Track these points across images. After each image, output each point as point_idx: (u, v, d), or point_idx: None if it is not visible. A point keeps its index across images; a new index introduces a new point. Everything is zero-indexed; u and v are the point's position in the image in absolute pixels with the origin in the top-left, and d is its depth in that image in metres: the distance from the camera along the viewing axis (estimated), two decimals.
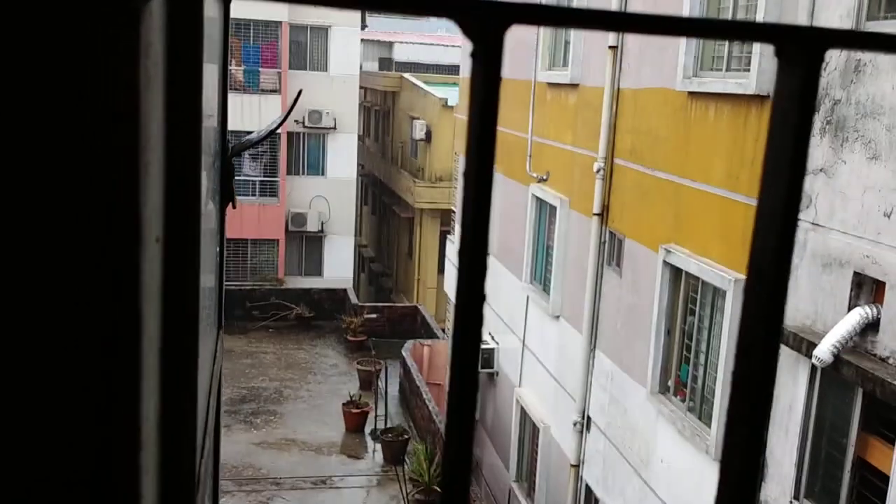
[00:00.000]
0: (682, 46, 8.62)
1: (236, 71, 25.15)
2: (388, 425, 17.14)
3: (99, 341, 0.44)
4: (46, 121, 0.42)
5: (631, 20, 0.45)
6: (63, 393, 0.46)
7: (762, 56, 7.34)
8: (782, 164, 0.48)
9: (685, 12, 8.52)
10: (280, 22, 25.10)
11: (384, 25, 42.99)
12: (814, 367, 6.38)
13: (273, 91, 25.24)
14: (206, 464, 1.32)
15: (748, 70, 7.65)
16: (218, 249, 1.63)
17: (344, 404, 17.73)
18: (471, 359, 0.49)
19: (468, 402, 0.47)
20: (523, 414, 13.19)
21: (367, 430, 17.50)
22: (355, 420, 17.49)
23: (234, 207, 1.67)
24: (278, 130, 24.58)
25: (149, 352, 0.52)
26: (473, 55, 0.45)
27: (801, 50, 0.48)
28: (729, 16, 8.09)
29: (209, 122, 1.40)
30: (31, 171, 0.43)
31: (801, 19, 6.84)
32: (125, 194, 0.44)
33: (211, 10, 1.22)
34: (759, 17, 7.35)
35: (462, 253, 0.44)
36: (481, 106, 0.46)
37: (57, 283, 0.44)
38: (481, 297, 0.46)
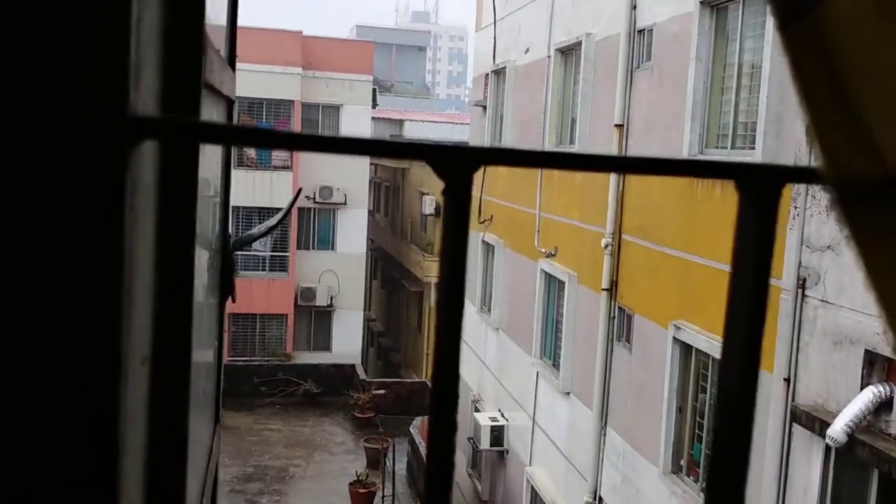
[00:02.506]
0: (688, 124, 8.76)
1: (248, 148, 25.56)
2: None
3: (73, 476, 0.45)
4: (39, 261, 0.45)
5: (593, 160, 0.47)
6: None
7: (766, 134, 7.44)
8: (745, 296, 0.50)
9: (688, 98, 8.69)
10: (292, 101, 25.65)
11: (395, 104, 43.89)
12: (828, 447, 6.27)
13: (285, 168, 25.63)
14: None
15: (753, 148, 7.75)
16: (217, 343, 1.65)
17: (351, 484, 17.41)
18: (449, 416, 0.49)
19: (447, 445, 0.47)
20: (534, 494, 12.92)
21: None
22: (362, 500, 17.14)
23: (233, 301, 1.70)
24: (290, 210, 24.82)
25: (131, 477, 0.53)
26: (444, 193, 0.48)
27: (760, 185, 0.50)
28: (732, 97, 8.24)
29: (211, 214, 1.44)
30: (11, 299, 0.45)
31: None
32: (106, 320, 0.46)
33: (213, 114, 1.27)
34: (763, 97, 7.49)
35: (433, 397, 0.45)
36: (452, 238, 0.48)
37: (33, 409, 0.46)
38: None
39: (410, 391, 23.21)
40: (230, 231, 2.00)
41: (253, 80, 24.33)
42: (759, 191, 0.50)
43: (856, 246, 0.51)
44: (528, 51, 14.03)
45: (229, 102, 1.49)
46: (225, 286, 1.55)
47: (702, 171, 0.51)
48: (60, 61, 0.42)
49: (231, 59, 1.68)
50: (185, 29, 0.66)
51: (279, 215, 2.59)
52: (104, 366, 0.43)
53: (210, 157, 1.31)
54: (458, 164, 0.46)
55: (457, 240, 0.47)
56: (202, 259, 1.07)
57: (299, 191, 3.39)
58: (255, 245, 26.03)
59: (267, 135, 0.47)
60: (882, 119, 0.42)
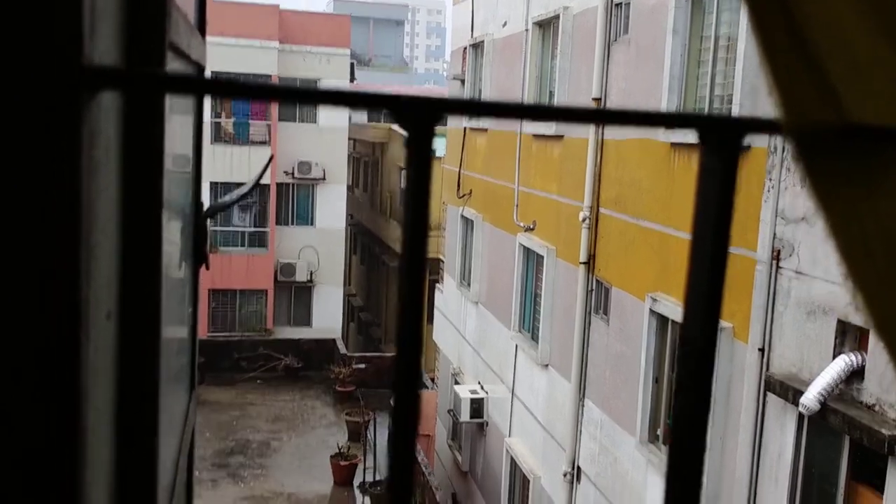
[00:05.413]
0: (665, 96, 8.77)
1: (226, 123, 25.35)
2: (378, 478, 16.91)
3: (31, 420, 0.45)
4: None
5: (554, 112, 0.47)
6: None
7: (742, 106, 7.47)
8: (706, 245, 0.51)
9: (666, 71, 8.69)
10: (270, 75, 25.40)
11: (373, 78, 43.58)
12: (801, 416, 6.37)
13: (262, 143, 25.43)
14: None
15: None
16: (191, 310, 1.64)
17: (332, 456, 17.51)
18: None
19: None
20: (513, 464, 13.05)
21: (356, 482, 17.25)
22: (344, 472, 17.25)
23: (206, 269, 1.69)
24: (266, 181, 24.68)
25: (98, 431, 0.53)
26: (408, 144, 0.48)
27: (721, 136, 0.51)
28: (708, 70, 8.26)
29: (182, 184, 1.43)
30: None
31: None
32: (62, 269, 0.45)
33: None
34: (738, 69, 7.51)
35: (398, 339, 0.46)
36: (415, 187, 0.49)
37: None
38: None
39: (391, 365, 23.28)
40: (205, 202, 1.98)
41: (230, 55, 24.04)
42: (721, 141, 0.51)
43: (815, 195, 0.51)
44: (505, 24, 13.96)
45: (199, 68, 1.47)
46: (198, 254, 1.54)
47: (664, 121, 0.52)
48: (8, 5, 0.41)
49: (201, 26, 1.66)
50: None
51: (251, 182, 2.58)
52: (62, 315, 0.43)
53: (181, 124, 1.30)
54: (420, 112, 0.46)
55: (419, 190, 0.48)
56: (172, 224, 1.06)
57: (271, 157, 3.39)
58: (235, 220, 25.88)
59: (228, 85, 0.47)
60: (839, 62, 0.43)
